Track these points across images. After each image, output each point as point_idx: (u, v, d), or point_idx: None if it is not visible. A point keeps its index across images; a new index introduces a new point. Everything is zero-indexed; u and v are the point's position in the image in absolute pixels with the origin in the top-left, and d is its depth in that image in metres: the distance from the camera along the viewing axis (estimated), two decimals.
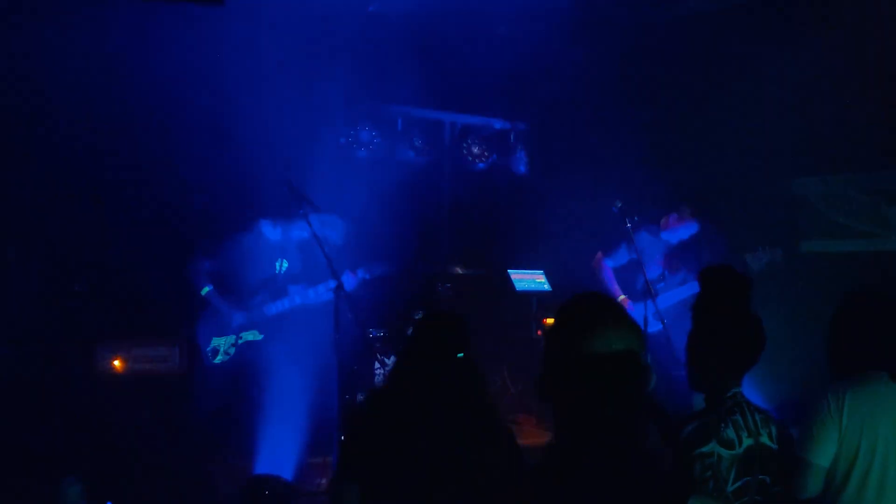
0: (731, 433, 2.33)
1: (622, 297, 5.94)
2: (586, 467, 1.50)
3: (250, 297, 5.43)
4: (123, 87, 5.51)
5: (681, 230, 5.98)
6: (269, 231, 5.48)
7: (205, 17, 5.31)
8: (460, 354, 2.78)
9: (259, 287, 5.45)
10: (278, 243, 5.52)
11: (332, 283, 4.87)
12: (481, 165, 7.63)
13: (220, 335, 5.41)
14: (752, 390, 6.05)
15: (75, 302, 5.59)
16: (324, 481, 5.15)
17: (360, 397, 5.61)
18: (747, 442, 2.34)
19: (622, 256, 6.01)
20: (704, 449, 2.30)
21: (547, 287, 6.82)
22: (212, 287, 5.33)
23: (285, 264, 5.56)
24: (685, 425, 2.39)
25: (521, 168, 7.83)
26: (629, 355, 1.54)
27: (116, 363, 5.42)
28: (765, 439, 2.40)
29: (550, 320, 6.95)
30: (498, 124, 7.76)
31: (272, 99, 5.89)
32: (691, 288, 5.71)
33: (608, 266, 6.05)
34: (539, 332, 6.97)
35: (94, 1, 5.31)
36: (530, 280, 6.86)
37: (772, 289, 6.52)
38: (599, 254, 6.06)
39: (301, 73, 6.09)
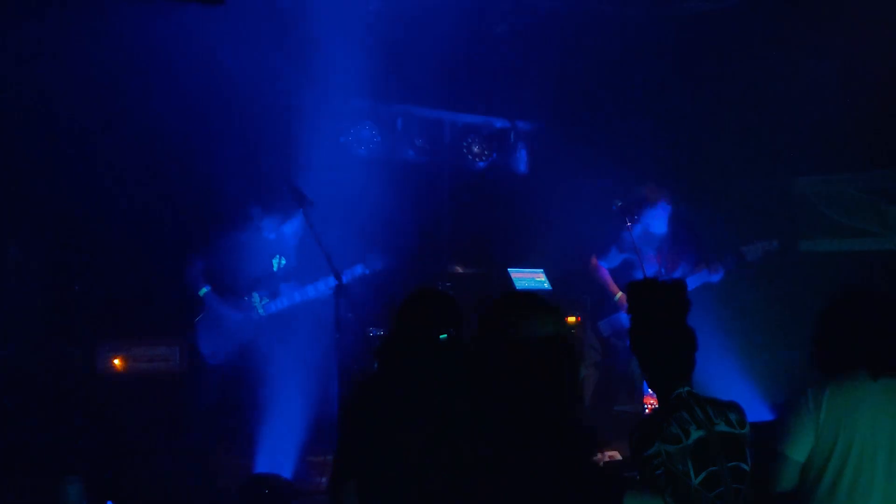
0: (674, 429, 2.36)
1: (620, 294, 5.95)
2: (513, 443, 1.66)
3: (248, 296, 5.41)
4: (124, 86, 5.51)
5: (657, 212, 5.95)
6: (266, 228, 5.43)
7: (204, 16, 5.32)
8: (443, 336, 2.69)
9: (256, 285, 5.42)
10: (274, 240, 5.47)
11: (330, 280, 4.93)
12: (481, 164, 7.62)
13: (220, 337, 5.39)
14: (751, 389, 6.07)
15: (75, 302, 5.59)
16: (324, 480, 5.15)
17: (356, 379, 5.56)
18: (697, 434, 2.36)
19: (614, 257, 6.05)
20: (650, 451, 2.34)
21: (547, 286, 6.82)
22: (209, 288, 5.28)
23: (283, 261, 5.54)
24: (635, 431, 2.44)
25: (521, 167, 7.83)
26: (554, 339, 1.77)
27: (117, 362, 5.42)
28: (723, 427, 2.41)
29: None
30: (498, 123, 7.76)
31: (272, 97, 5.89)
32: (694, 281, 5.76)
33: (603, 266, 6.09)
34: None
35: None
36: (530, 279, 6.85)
37: (772, 289, 6.55)
38: (593, 258, 6.11)
39: (300, 70, 6.09)
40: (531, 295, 1.90)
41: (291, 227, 5.43)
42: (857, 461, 2.70)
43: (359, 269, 5.30)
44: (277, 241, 5.49)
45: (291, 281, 5.47)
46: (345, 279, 4.94)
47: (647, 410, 5.29)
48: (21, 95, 5.36)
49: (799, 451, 2.75)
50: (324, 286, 5.31)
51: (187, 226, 5.70)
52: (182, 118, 5.56)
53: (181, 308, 5.48)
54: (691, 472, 2.33)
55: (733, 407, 2.50)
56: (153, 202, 5.70)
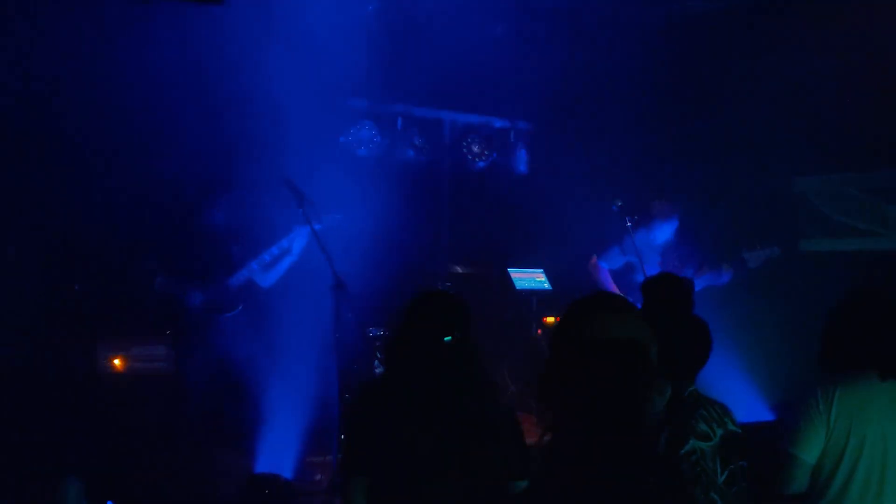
0: (703, 426, 2.39)
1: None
2: (589, 472, 1.47)
3: (207, 275, 5.30)
4: (123, 86, 5.51)
5: (665, 226, 6.00)
6: (219, 214, 5.41)
7: (204, 16, 5.32)
8: (447, 338, 2.66)
9: (214, 264, 5.33)
10: (228, 226, 5.45)
11: (285, 243, 5.21)
12: (481, 164, 7.62)
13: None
14: (752, 389, 6.06)
15: (75, 301, 5.58)
16: (323, 478, 5.15)
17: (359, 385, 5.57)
18: (719, 431, 2.41)
19: (616, 259, 6.06)
20: (686, 448, 2.34)
21: (547, 286, 6.82)
22: (161, 277, 5.18)
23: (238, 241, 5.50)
24: (659, 435, 2.43)
25: (521, 167, 7.83)
26: (631, 343, 1.51)
27: (116, 362, 5.42)
28: (731, 427, 2.47)
29: (551, 319, 6.97)
30: (498, 123, 7.75)
31: (271, 97, 5.89)
32: (699, 283, 5.77)
33: (604, 267, 6.10)
34: (539, 332, 6.97)
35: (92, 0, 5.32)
36: (530, 279, 6.86)
37: (772, 288, 6.55)
38: (594, 258, 6.12)
39: (300, 71, 6.09)
40: (609, 295, 1.65)
41: (241, 214, 5.44)
42: (868, 462, 2.68)
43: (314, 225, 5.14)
44: (230, 226, 5.44)
45: (249, 259, 5.39)
46: (302, 237, 5.16)
47: None
48: (19, 95, 5.35)
49: (809, 451, 2.71)
50: (276, 249, 5.28)
51: (189, 226, 5.69)
52: (182, 118, 5.56)
53: (181, 307, 5.48)
54: (718, 470, 2.34)
55: (728, 409, 2.53)
56: (153, 202, 5.69)
